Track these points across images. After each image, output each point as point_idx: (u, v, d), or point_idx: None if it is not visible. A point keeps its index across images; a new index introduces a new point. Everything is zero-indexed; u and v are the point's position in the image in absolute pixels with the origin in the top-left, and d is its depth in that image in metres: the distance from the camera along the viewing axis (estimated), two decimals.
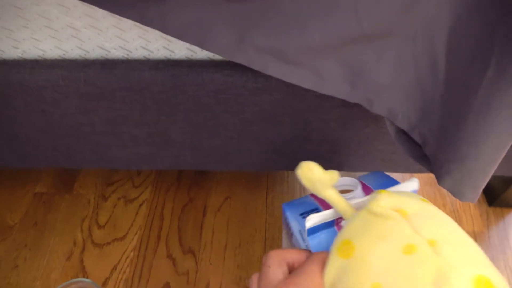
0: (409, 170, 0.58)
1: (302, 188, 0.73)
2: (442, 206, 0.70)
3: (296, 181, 0.74)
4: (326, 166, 0.58)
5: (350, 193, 0.42)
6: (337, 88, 0.36)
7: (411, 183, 0.37)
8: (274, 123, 0.50)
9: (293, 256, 0.29)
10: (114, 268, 0.64)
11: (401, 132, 0.39)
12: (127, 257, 0.65)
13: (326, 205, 0.38)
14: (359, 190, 0.42)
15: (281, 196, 0.72)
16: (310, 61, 0.35)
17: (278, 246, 0.66)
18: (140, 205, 0.71)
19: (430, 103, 0.34)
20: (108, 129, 0.51)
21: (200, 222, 0.69)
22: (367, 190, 0.41)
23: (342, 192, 0.35)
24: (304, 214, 0.40)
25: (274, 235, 0.67)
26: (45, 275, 0.63)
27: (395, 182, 0.42)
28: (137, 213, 0.70)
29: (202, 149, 0.55)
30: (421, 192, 0.72)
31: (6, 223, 0.69)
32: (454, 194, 0.37)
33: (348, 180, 0.43)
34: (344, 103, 0.46)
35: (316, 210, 0.40)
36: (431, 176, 0.74)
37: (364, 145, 0.53)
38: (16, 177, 0.76)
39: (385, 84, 0.35)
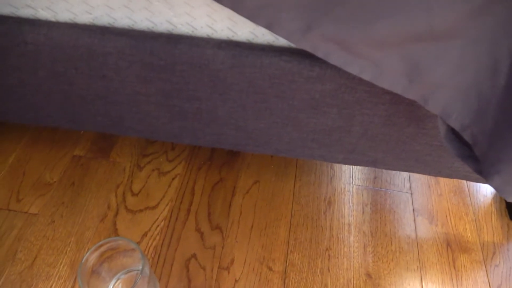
0: (440, 174, 0.60)
1: (329, 181, 0.75)
2: (464, 215, 0.72)
3: (323, 174, 0.76)
4: (361, 161, 0.60)
5: None
6: (395, 83, 0.38)
7: None
8: (319, 113, 0.52)
9: None
10: (145, 234, 0.67)
11: (451, 131, 0.41)
12: (157, 226, 0.68)
13: None
14: None
15: (308, 186, 0.74)
16: (373, 53, 0.37)
17: (302, 233, 0.68)
18: (173, 178, 0.74)
19: (486, 105, 0.35)
20: (161, 100, 0.54)
21: (229, 201, 0.71)
22: None
23: None
24: None
25: (299, 222, 0.69)
26: (80, 233, 0.67)
27: None
28: (169, 186, 0.73)
29: (245, 130, 0.57)
30: (445, 200, 0.73)
31: (45, 180, 0.73)
32: (501, 193, 0.39)
33: None
34: (391, 101, 0.48)
35: None
36: (456, 184, 0.75)
37: (402, 144, 0.55)
38: (56, 139, 0.79)
39: (442, 83, 0.36)
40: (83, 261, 0.50)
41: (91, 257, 0.52)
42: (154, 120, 0.58)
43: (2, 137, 0.79)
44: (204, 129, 0.58)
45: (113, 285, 0.60)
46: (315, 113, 0.52)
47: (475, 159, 0.40)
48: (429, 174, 0.61)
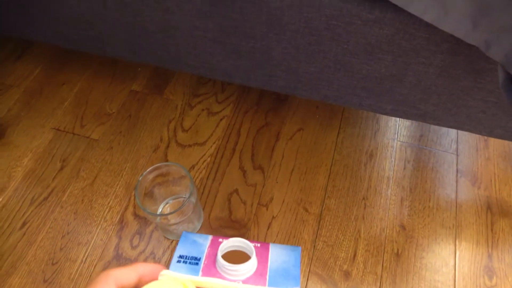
0: (492, 133, 0.58)
1: (373, 135, 0.75)
2: (511, 181, 0.70)
3: (367, 128, 0.76)
4: (410, 113, 0.60)
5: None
6: (458, 25, 0.37)
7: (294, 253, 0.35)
8: (374, 59, 0.52)
9: (123, 276, 0.26)
10: (193, 167, 0.72)
11: (510, 81, 0.40)
12: (204, 161, 0.72)
13: (212, 258, 0.34)
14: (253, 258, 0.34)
15: (351, 139, 0.75)
16: None
17: (341, 181, 0.70)
18: (221, 119, 0.78)
19: None
20: (218, 37, 0.56)
21: (272, 145, 0.74)
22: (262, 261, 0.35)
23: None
24: (183, 259, 0.34)
25: (339, 170, 0.71)
26: (134, 160, 0.73)
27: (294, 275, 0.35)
28: (217, 125, 0.77)
29: (296, 73, 0.58)
30: (492, 164, 0.72)
31: (105, 111, 0.79)
32: None
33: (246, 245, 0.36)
34: (450, 50, 0.47)
35: (196, 261, 0.34)
36: (506, 150, 0.73)
37: (455, 99, 0.54)
38: (116, 74, 0.85)
39: (509, 27, 0.35)
40: (140, 179, 0.55)
41: (146, 178, 0.57)
42: (209, 57, 0.60)
43: (68, 69, 0.85)
44: (256, 69, 0.60)
45: (163, 207, 0.66)
46: (369, 59, 0.52)
47: None
48: (479, 133, 0.59)
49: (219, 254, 0.33)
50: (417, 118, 0.61)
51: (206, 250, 0.35)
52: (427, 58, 0.49)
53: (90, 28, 0.63)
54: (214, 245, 0.36)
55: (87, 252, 0.63)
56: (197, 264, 0.33)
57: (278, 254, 0.35)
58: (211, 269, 0.33)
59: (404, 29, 0.46)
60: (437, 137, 0.75)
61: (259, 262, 0.34)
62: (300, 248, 0.37)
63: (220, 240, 0.36)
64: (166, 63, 0.66)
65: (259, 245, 0.36)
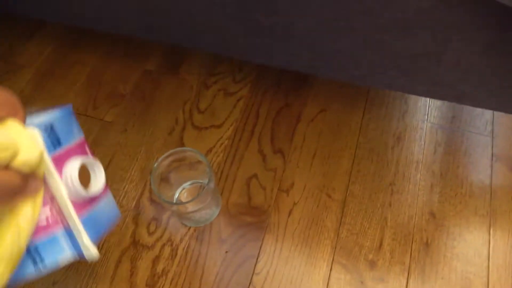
0: None
1: (401, 116, 0.71)
2: None
3: (395, 109, 0.71)
4: (446, 94, 0.55)
5: None
6: None
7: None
8: (409, 35, 0.47)
9: None
10: (210, 150, 0.69)
11: None
12: (221, 144, 0.69)
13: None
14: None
15: (377, 121, 0.70)
16: None
17: (366, 165, 0.66)
18: (238, 100, 0.74)
19: None
20: (237, 12, 0.52)
21: (293, 127, 0.70)
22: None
23: None
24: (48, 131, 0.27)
25: (364, 154, 0.67)
26: (149, 143, 0.70)
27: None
28: (234, 106, 0.73)
29: (321, 51, 0.54)
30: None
31: (119, 92, 0.76)
32: None
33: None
34: (497, 25, 0.42)
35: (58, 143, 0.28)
36: None
37: (499, 79, 0.49)
38: (129, 53, 0.81)
39: None
40: (155, 166, 0.53)
41: (162, 164, 0.55)
42: (227, 35, 0.56)
43: (80, 49, 0.82)
44: (278, 47, 0.56)
45: (179, 193, 0.63)
46: (404, 35, 0.47)
47: None
48: None
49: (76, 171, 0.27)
50: (453, 99, 0.56)
51: (71, 144, 0.29)
52: (472, 32, 0.44)
53: (102, 5, 0.59)
54: (76, 150, 0.29)
55: (103, 239, 0.61)
56: (56, 146, 0.27)
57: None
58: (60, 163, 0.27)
59: (446, 0, 0.41)
60: (471, 118, 0.70)
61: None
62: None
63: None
64: (182, 41, 0.62)
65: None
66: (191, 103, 0.74)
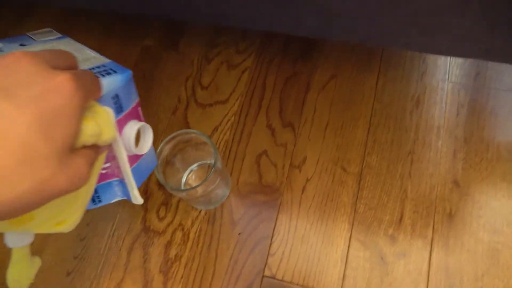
0: None
1: (419, 77, 0.65)
2: None
3: (413, 69, 0.66)
4: (470, 51, 0.49)
5: None
6: None
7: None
8: None
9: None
10: (216, 129, 0.65)
11: None
12: (228, 120, 0.66)
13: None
14: None
15: (393, 84, 0.65)
16: None
17: (383, 134, 0.62)
18: (243, 72, 0.69)
19: None
20: None
21: (302, 97, 0.66)
22: None
23: None
24: (115, 99, 0.30)
25: (380, 122, 0.63)
26: (153, 124, 0.66)
27: None
28: (239, 79, 0.69)
29: (329, 12, 0.48)
30: None
31: None
32: None
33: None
34: None
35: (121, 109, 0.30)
36: None
37: None
38: (127, 29, 0.76)
39: None
40: (157, 151, 0.50)
41: (165, 148, 0.52)
42: (225, 3, 0.51)
43: (76, 31, 0.78)
44: (281, 12, 0.50)
45: (187, 176, 0.61)
46: None
47: None
48: None
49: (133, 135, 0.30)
50: (478, 56, 0.50)
51: (130, 108, 0.31)
52: None
53: None
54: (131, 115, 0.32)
55: (114, 226, 0.60)
56: (119, 113, 0.30)
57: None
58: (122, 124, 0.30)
59: None
60: (497, 74, 0.64)
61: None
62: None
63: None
64: (177, 13, 0.57)
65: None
66: (193, 79, 0.70)
